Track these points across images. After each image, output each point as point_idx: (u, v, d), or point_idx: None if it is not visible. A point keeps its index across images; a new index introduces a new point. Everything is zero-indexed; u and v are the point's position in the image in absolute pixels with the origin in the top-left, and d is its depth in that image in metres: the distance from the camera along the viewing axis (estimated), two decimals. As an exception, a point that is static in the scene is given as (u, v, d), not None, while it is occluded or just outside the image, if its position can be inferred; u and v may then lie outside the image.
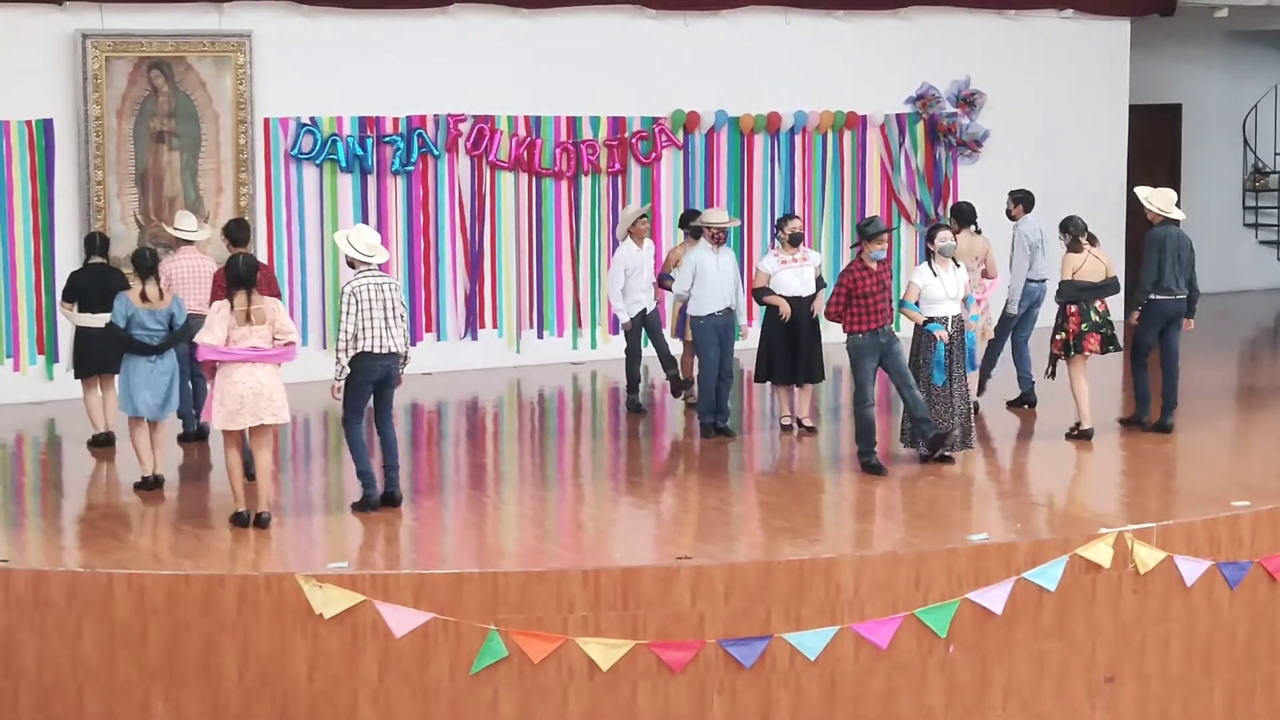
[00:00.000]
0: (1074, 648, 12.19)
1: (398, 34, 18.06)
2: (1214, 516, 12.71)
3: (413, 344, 17.93)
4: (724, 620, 11.53)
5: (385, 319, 12.83)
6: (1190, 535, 12.51)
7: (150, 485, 13.69)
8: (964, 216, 16.01)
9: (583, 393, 18.22)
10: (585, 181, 19.09)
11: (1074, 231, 15.18)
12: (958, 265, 14.40)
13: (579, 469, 15.15)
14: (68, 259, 16.73)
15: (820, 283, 15.49)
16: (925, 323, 14.14)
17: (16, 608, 11.42)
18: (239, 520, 12.64)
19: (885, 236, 14.09)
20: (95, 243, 15.17)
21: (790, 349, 15.32)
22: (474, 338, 18.77)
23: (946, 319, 14.19)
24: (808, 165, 20.09)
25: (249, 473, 12.88)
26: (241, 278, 12.59)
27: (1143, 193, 15.57)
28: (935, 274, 14.18)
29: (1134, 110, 21.94)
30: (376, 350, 12.85)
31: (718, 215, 15.99)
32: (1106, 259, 15.28)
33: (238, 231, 14.55)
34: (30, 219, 16.86)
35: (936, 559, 11.92)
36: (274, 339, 12.58)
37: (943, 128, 20.58)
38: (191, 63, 17.20)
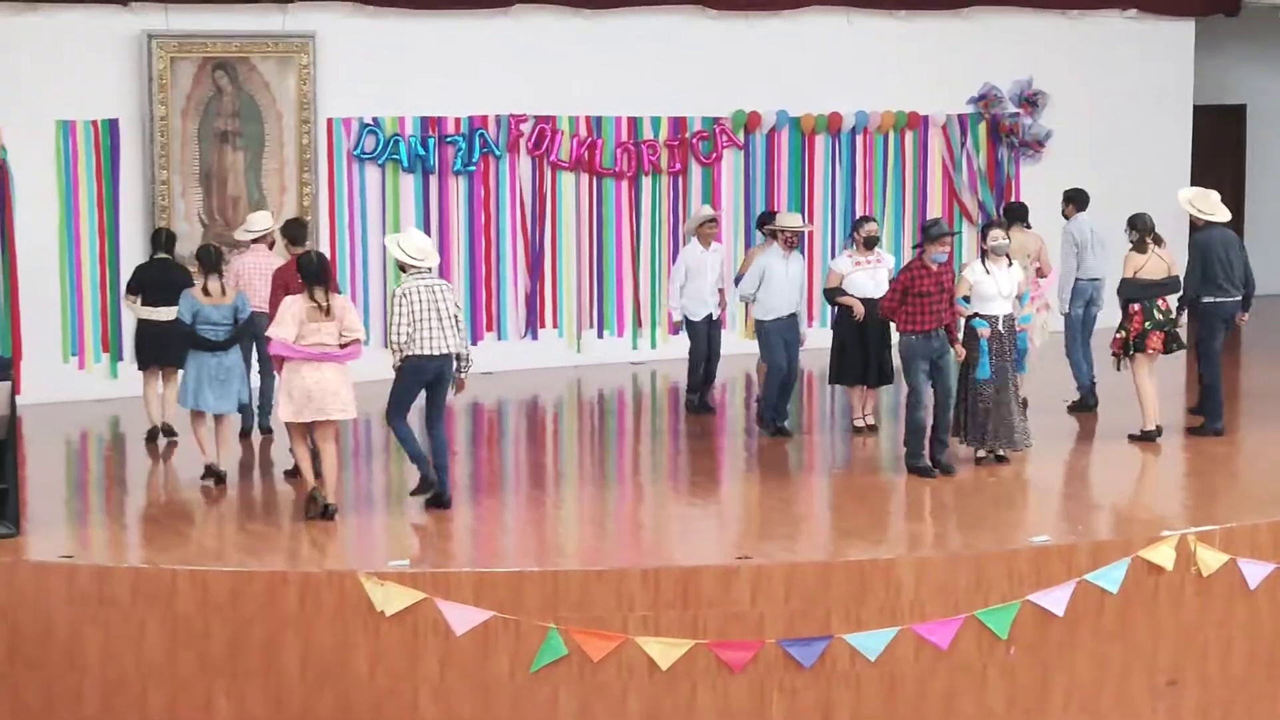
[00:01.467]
0: (1136, 650, 12.13)
1: (460, 35, 18.11)
2: (1278, 519, 12.61)
3: (473, 343, 18.11)
4: (784, 620, 11.52)
5: (436, 321, 12.81)
6: (1254, 538, 12.43)
7: (214, 476, 13.78)
8: (1015, 215, 16.20)
9: (643, 392, 18.23)
10: (646, 181, 19.09)
11: (1140, 230, 15.10)
12: (1011, 264, 14.36)
13: (639, 468, 15.15)
14: (133, 258, 16.81)
15: None
16: (970, 318, 14.10)
17: (81, 603, 11.52)
18: (312, 503, 12.70)
19: (948, 239, 14.05)
20: (161, 238, 15.33)
21: (861, 350, 15.29)
22: (534, 337, 18.80)
23: (997, 317, 14.15)
24: (869, 166, 20.04)
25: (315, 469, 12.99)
26: (316, 274, 12.70)
27: (1184, 195, 15.42)
28: (989, 271, 14.15)
29: (1198, 111, 21.80)
30: (429, 352, 12.86)
31: (791, 219, 15.87)
32: (1170, 259, 15.18)
33: (298, 231, 14.74)
34: (95, 218, 16.98)
35: (997, 560, 11.88)
36: (341, 336, 12.67)
37: (1005, 128, 20.50)
38: (255, 63, 17.29)
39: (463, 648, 11.36)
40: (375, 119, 17.89)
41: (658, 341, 19.19)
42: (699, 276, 16.20)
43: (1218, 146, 22.90)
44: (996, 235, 14.32)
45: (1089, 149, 20.54)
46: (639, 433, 16.79)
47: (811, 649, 11.53)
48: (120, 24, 16.82)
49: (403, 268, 13.00)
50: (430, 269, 13.00)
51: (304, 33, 17.40)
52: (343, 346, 12.72)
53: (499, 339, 18.62)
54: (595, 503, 13.57)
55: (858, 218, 16.63)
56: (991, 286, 14.12)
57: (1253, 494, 13.83)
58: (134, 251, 16.89)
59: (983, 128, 20.50)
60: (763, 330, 15.45)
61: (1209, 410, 15.44)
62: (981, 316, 14.11)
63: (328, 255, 16.57)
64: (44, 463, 14.64)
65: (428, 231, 17.94)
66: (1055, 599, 11.88)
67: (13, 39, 16.44)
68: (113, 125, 16.92)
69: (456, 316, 12.97)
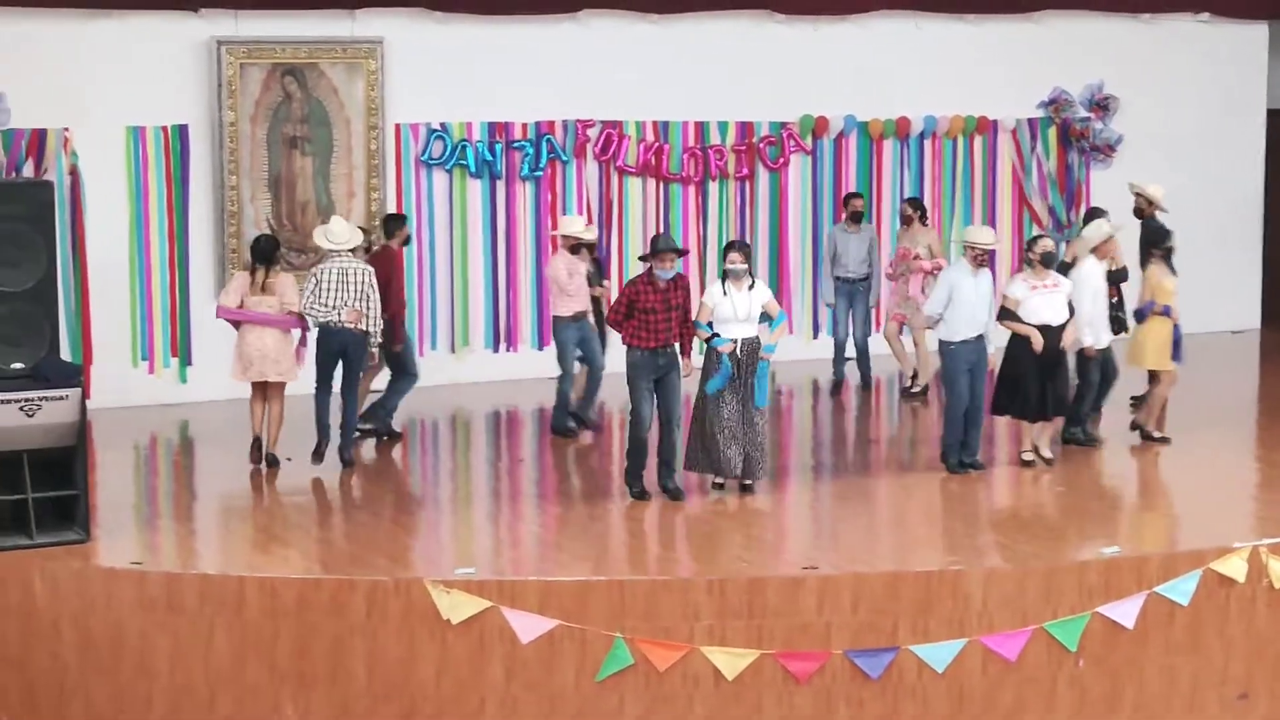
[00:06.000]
0: (1206, 663, 12.03)
1: (527, 40, 18.12)
2: (1350, 531, 12.50)
3: (539, 349, 18.18)
4: (851, 631, 11.49)
5: (342, 299, 14.25)
6: (1327, 550, 12.31)
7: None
8: (916, 206, 17.63)
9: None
10: (713, 187, 19.05)
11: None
12: (754, 286, 13.70)
13: (706, 477, 15.06)
14: (202, 263, 16.97)
15: (1072, 310, 14.44)
16: (709, 339, 13.55)
17: (150, 610, 11.59)
18: (256, 445, 14.42)
19: (672, 256, 13.49)
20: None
21: (1038, 382, 14.26)
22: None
23: (736, 340, 13.53)
24: (937, 171, 19.93)
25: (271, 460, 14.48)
26: (263, 254, 14.37)
27: (1150, 187, 16.37)
28: (726, 293, 13.57)
29: (1271, 115, 21.58)
30: (333, 325, 14.30)
31: (982, 234, 14.66)
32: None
33: (392, 225, 15.73)
34: (165, 223, 17.07)
35: (1067, 572, 11.81)
36: (281, 309, 14.21)
37: (1075, 132, 20.36)
38: (324, 69, 17.35)
39: (528, 656, 11.37)
40: (443, 124, 17.93)
41: (724, 347, 19.11)
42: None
43: (1292, 151, 22.67)
44: (734, 259, 13.66)
45: (1160, 153, 20.35)
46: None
47: (878, 660, 11.49)
48: (190, 30, 16.91)
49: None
50: (349, 253, 14.47)
51: (372, 38, 17.46)
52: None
53: (564, 344, 18.57)
54: (664, 512, 13.53)
55: (1031, 235, 15.50)
56: (728, 309, 13.52)
57: (1326, 505, 13.69)
58: (203, 256, 17.00)
59: (1053, 132, 20.36)
60: (947, 352, 14.29)
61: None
62: (718, 335, 13.55)
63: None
64: (114, 468, 14.72)
65: (495, 237, 18.08)
66: (1125, 611, 11.80)
67: (83, 45, 16.55)
68: (182, 131, 17.01)
69: (369, 296, 14.32)
